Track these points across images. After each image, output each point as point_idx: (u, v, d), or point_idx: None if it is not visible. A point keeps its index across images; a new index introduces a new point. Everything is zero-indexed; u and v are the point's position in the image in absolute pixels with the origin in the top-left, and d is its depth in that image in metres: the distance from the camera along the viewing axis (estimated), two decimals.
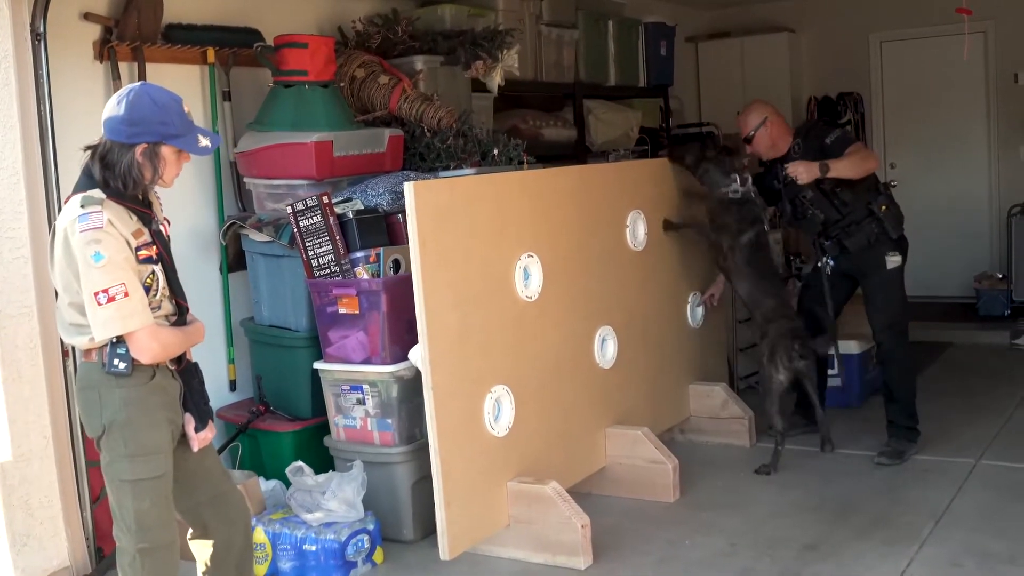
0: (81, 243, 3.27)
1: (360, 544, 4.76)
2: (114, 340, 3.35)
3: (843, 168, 5.71)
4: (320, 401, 5.26)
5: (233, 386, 5.84)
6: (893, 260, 5.86)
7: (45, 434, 4.56)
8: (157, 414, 3.46)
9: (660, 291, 5.99)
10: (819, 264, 6.08)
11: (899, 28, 10.22)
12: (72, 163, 4.61)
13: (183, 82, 5.41)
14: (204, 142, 3.49)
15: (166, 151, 3.44)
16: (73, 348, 4.56)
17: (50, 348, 4.58)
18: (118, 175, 3.38)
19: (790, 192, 5.96)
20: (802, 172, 5.72)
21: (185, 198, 5.43)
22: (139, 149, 3.39)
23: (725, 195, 5.87)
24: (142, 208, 3.47)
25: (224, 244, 5.70)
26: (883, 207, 5.81)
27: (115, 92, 5.08)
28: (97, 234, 3.27)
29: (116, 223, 3.32)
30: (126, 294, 3.29)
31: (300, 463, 4.94)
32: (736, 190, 5.83)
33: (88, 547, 4.74)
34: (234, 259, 5.78)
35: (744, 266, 5.83)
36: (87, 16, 5.15)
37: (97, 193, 3.35)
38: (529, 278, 4.91)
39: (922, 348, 8.02)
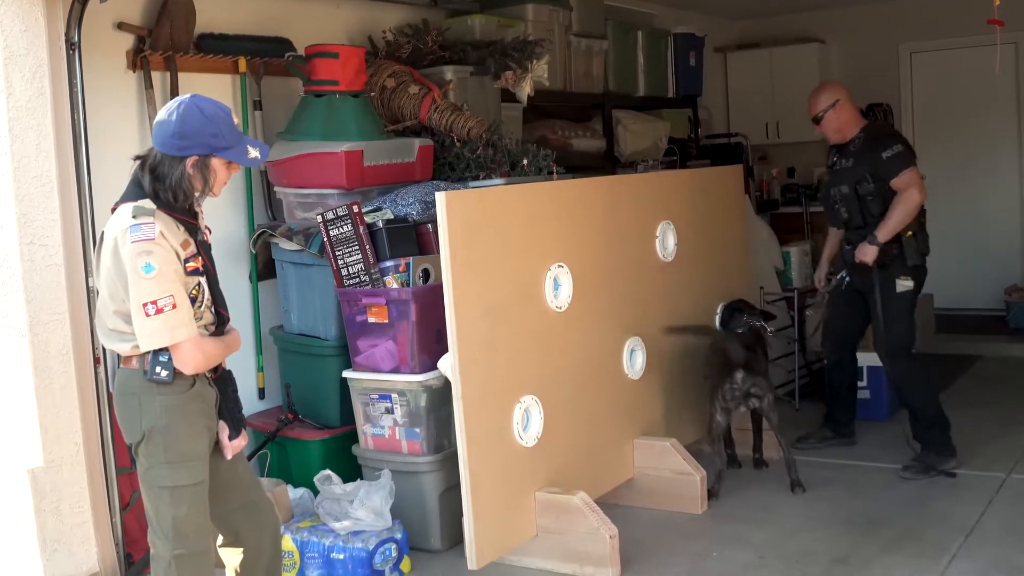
0: (132, 254, 3.30)
1: (388, 553, 4.77)
2: (156, 348, 3.38)
3: (887, 233, 5.71)
4: (348, 410, 5.28)
5: (262, 394, 5.87)
6: (903, 284, 5.81)
7: (76, 440, 4.58)
8: (197, 421, 3.49)
9: (689, 302, 5.98)
10: (838, 277, 6.09)
11: (929, 39, 10.17)
12: (105, 171, 4.66)
13: (215, 91, 5.37)
14: (253, 153, 3.51)
15: (216, 163, 3.46)
16: (105, 354, 4.63)
17: (82, 355, 4.61)
18: (169, 187, 3.40)
19: (833, 181, 6.01)
20: (867, 257, 5.77)
21: (216, 206, 5.43)
22: (190, 161, 3.41)
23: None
24: (189, 219, 3.50)
25: (254, 253, 5.74)
26: (909, 232, 5.76)
27: (147, 101, 5.18)
28: (148, 245, 3.30)
29: (166, 234, 3.36)
30: (174, 306, 3.32)
31: (328, 471, 4.96)
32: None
33: (117, 553, 4.76)
34: (264, 268, 5.81)
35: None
36: (120, 26, 5.20)
37: (148, 204, 3.38)
38: (559, 288, 4.92)
39: (951, 361, 8.00)
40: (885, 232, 5.72)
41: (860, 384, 6.84)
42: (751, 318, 5.94)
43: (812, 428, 6.49)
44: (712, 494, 5.53)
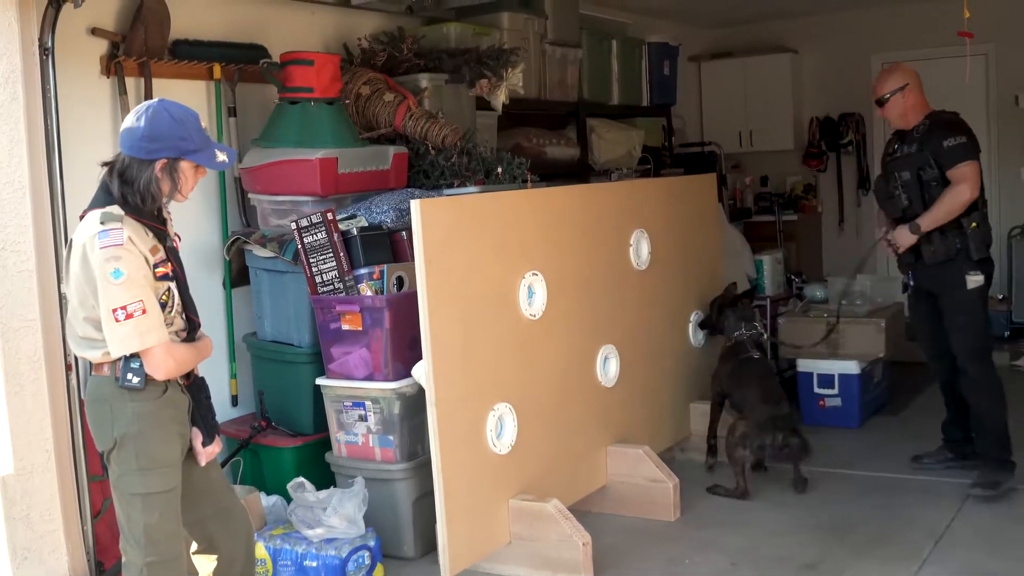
0: (101, 260, 3.29)
1: (361, 560, 4.77)
2: (128, 355, 3.37)
3: (930, 223, 5.49)
4: (322, 417, 5.27)
5: (235, 401, 5.85)
6: (974, 279, 5.53)
7: (47, 448, 4.55)
8: (169, 428, 3.49)
9: (663, 310, 6.01)
10: (903, 282, 5.90)
11: (901, 50, 10.20)
12: (78, 177, 4.64)
13: (189, 98, 5.42)
14: (221, 157, 3.52)
15: (185, 166, 3.46)
16: (77, 361, 4.61)
17: (53, 362, 4.58)
18: (137, 191, 3.40)
19: (892, 167, 5.75)
20: (904, 242, 5.62)
21: (189, 213, 5.43)
22: (158, 165, 3.41)
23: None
24: (158, 225, 3.50)
25: (228, 259, 5.72)
26: (973, 224, 5.50)
27: (121, 107, 5.16)
28: (117, 251, 3.29)
29: (135, 240, 3.35)
30: (144, 311, 3.31)
31: (301, 479, 4.95)
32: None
33: (88, 561, 4.73)
34: (237, 274, 5.79)
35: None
36: (94, 31, 5.18)
37: (116, 210, 3.38)
38: (533, 296, 4.92)
39: (923, 368, 8.02)
40: (928, 221, 5.50)
41: (831, 392, 6.86)
42: (749, 323, 5.96)
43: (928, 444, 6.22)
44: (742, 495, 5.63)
